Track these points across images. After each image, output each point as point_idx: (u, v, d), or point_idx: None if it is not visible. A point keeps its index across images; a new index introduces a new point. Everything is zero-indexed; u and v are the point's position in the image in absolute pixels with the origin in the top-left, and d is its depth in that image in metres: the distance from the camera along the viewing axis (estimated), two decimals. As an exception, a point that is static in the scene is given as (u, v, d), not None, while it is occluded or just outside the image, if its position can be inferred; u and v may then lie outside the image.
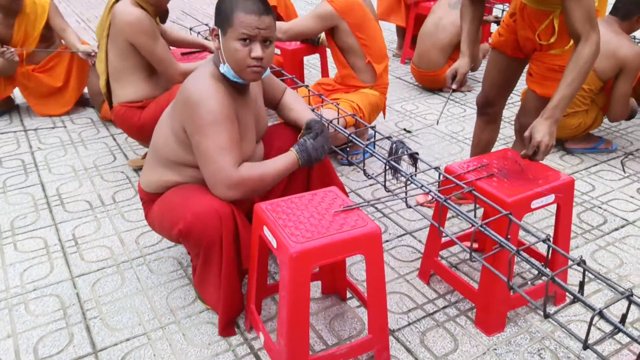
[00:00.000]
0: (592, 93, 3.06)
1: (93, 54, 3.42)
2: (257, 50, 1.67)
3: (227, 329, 1.90)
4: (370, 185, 2.92)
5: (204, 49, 3.14)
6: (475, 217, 1.68)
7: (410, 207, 1.88)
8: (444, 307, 2.04)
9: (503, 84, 2.46)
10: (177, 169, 1.88)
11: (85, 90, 3.82)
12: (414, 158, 2.07)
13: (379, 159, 2.05)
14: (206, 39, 3.43)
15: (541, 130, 1.86)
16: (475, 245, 2.34)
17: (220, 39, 1.71)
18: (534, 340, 1.88)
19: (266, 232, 1.63)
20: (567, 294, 1.79)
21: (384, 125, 3.69)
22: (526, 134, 1.89)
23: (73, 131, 3.55)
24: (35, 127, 3.61)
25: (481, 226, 1.57)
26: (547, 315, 1.44)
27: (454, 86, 2.29)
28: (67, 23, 3.67)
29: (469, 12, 2.32)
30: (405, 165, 2.09)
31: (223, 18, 1.67)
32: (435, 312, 2.02)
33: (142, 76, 2.66)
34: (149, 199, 2.00)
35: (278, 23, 3.46)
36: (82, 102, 3.92)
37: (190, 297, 2.09)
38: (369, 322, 1.72)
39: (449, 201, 1.71)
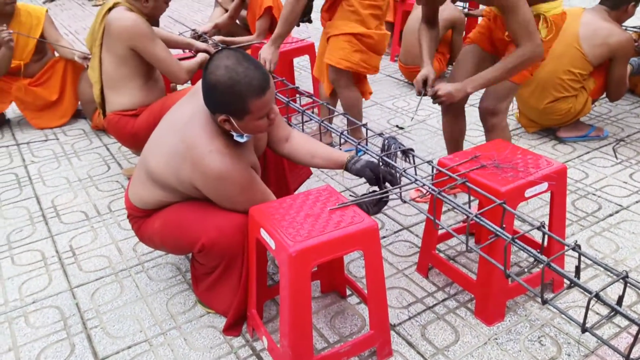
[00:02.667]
0: (581, 77, 3.08)
1: (90, 57, 3.41)
2: (273, 112, 1.67)
3: (232, 328, 1.91)
4: (365, 182, 2.92)
5: (189, 47, 3.14)
6: (470, 208, 1.69)
7: (405, 202, 1.89)
8: (444, 300, 2.05)
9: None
10: (181, 194, 1.85)
11: (77, 99, 3.82)
12: (407, 154, 2.09)
13: (372, 156, 2.07)
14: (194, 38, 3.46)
15: (448, 86, 2.17)
16: (472, 238, 2.35)
17: (233, 122, 1.62)
18: (533, 327, 1.89)
19: (263, 234, 1.64)
20: (564, 280, 1.80)
21: (376, 122, 3.70)
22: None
23: (66, 143, 3.55)
24: (28, 140, 3.60)
25: (476, 216, 1.58)
26: (544, 302, 1.46)
27: (429, 92, 2.30)
28: (61, 34, 3.67)
29: (426, 33, 2.43)
30: (398, 161, 2.10)
31: (236, 109, 1.59)
32: (435, 305, 2.03)
33: (139, 84, 2.65)
34: (143, 214, 1.97)
35: None
36: (74, 114, 3.92)
37: (190, 301, 2.09)
38: (370, 318, 1.73)
39: (443, 194, 1.72)
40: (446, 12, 3.91)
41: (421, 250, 2.17)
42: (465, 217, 2.35)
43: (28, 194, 2.93)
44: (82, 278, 2.25)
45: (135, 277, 2.25)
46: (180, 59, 3.32)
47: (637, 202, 2.63)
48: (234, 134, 1.69)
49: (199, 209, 1.82)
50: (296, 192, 2.34)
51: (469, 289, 2.00)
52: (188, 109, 1.80)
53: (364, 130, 3.21)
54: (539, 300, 2.02)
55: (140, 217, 1.99)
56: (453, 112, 2.60)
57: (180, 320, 2.00)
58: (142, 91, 2.68)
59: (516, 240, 1.49)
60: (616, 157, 3.08)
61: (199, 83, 1.83)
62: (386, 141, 2.15)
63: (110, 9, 2.58)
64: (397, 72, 4.73)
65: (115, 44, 2.57)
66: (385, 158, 2.01)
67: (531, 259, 2.24)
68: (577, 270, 1.49)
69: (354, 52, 2.93)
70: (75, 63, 3.66)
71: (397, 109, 3.93)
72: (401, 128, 3.63)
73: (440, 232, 2.17)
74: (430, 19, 2.43)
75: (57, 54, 3.67)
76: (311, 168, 2.43)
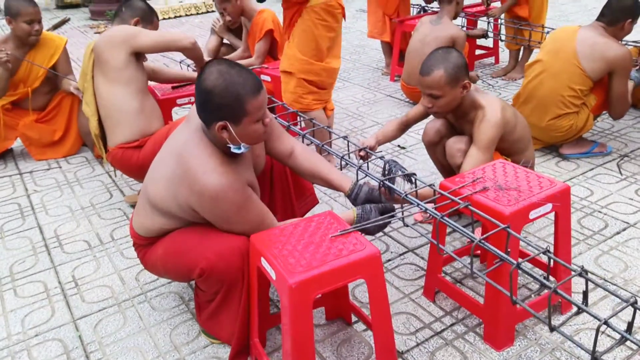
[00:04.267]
0: (581, 93, 3.07)
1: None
2: (267, 117, 1.70)
3: (237, 357, 1.89)
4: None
5: (190, 80, 3.18)
6: (473, 231, 1.67)
7: (407, 225, 1.87)
8: (452, 325, 2.02)
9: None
10: (182, 220, 1.84)
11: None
12: (409, 177, 2.08)
13: (374, 179, 2.06)
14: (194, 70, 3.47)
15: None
16: (477, 260, 2.33)
17: (231, 129, 1.64)
18: (544, 352, 1.86)
19: (264, 263, 1.62)
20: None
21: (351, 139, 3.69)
22: None
23: (68, 171, 3.55)
24: (30, 169, 3.61)
25: (480, 241, 1.56)
26: (552, 329, 1.43)
27: (359, 155, 2.38)
28: (72, 69, 3.71)
29: (393, 130, 2.59)
30: (400, 184, 2.09)
31: (233, 112, 1.61)
32: (443, 330, 2.00)
33: (134, 108, 2.64)
34: (147, 242, 1.97)
35: None
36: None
37: (194, 331, 2.07)
38: (375, 346, 1.70)
39: (445, 218, 1.70)
40: (447, 30, 3.94)
41: (427, 274, 2.14)
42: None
43: (31, 224, 2.92)
44: (84, 309, 2.23)
45: (138, 307, 2.22)
46: (174, 87, 3.34)
47: (644, 218, 2.60)
48: (232, 146, 1.69)
49: (198, 235, 1.81)
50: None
51: (476, 313, 1.97)
52: (182, 136, 1.82)
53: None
54: (548, 323, 1.98)
55: (144, 246, 1.99)
56: (428, 143, 2.64)
57: (184, 352, 1.97)
58: (140, 118, 2.67)
59: (521, 266, 1.47)
60: (621, 173, 3.06)
61: (193, 109, 1.87)
62: (387, 164, 2.15)
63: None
64: (397, 91, 4.74)
65: (109, 58, 2.58)
66: (387, 183, 2.00)
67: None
68: (585, 296, 1.46)
69: (305, 94, 3.09)
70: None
71: (398, 129, 3.92)
72: (403, 148, 3.62)
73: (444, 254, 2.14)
74: (409, 122, 2.60)
75: (62, 86, 3.69)
76: (315, 188, 2.41)
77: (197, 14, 9.40)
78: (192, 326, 2.09)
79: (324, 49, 3.00)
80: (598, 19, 3.09)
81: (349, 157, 2.24)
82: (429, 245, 2.49)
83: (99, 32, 8.26)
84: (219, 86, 1.58)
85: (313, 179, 2.04)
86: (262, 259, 1.62)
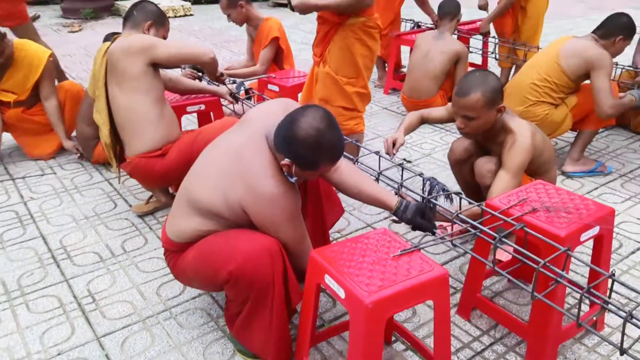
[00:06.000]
0: (559, 89, 3.17)
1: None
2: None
3: None
4: (385, 218, 2.90)
5: (214, 94, 3.11)
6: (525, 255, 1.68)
7: (456, 245, 1.87)
8: (491, 344, 2.02)
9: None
10: (220, 221, 1.81)
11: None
12: (450, 195, 2.08)
13: (415, 199, 2.04)
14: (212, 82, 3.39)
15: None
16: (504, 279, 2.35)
17: (294, 168, 1.66)
18: (586, 372, 1.88)
19: (329, 281, 1.57)
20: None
21: (382, 156, 3.69)
22: None
23: (64, 177, 3.39)
24: (23, 175, 3.42)
25: (544, 266, 1.57)
26: (623, 352, 1.45)
27: (394, 152, 2.46)
28: (54, 93, 3.51)
29: (412, 119, 2.61)
30: (442, 201, 2.09)
31: (305, 164, 1.65)
32: (483, 350, 2.00)
33: (155, 116, 2.55)
34: (178, 249, 1.92)
35: None
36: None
37: (229, 350, 1.99)
38: (434, 368, 1.68)
39: (504, 239, 1.70)
40: (452, 46, 4.02)
41: (464, 292, 2.14)
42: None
43: (33, 234, 2.76)
44: (107, 326, 2.12)
45: (164, 324, 2.13)
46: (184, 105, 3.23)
47: (655, 238, 2.69)
48: (286, 173, 1.69)
49: (230, 237, 1.78)
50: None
51: (519, 333, 1.97)
52: (239, 137, 1.80)
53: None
54: (586, 343, 2.02)
55: (175, 252, 1.93)
56: (455, 161, 2.66)
57: (222, 372, 1.90)
58: (160, 126, 2.58)
59: (591, 289, 1.49)
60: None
61: (249, 112, 1.90)
62: (428, 182, 2.14)
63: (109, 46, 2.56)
64: (394, 104, 4.77)
65: (126, 68, 2.48)
66: (433, 201, 1.99)
67: (574, 298, 2.24)
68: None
69: (345, 121, 3.04)
70: (76, 92, 3.55)
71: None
72: (409, 162, 3.63)
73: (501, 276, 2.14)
74: (427, 119, 2.66)
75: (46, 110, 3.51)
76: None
77: (175, 17, 9.22)
78: (226, 345, 2.02)
79: (361, 68, 2.93)
80: (593, 31, 3.20)
81: (384, 174, 2.23)
82: (455, 261, 2.51)
83: (73, 32, 7.98)
84: (309, 142, 1.60)
85: (358, 195, 2.02)
86: (327, 275, 1.58)
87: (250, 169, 1.68)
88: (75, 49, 6.87)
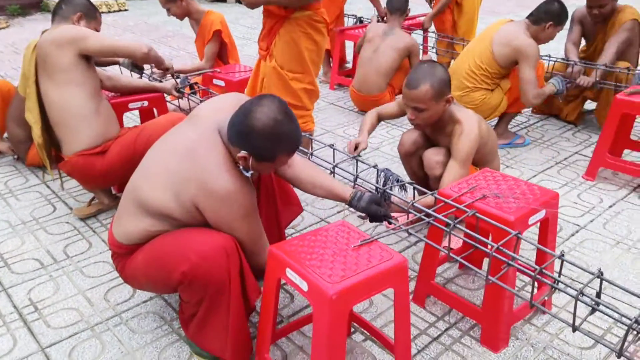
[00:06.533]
0: (490, 74, 3.38)
1: None
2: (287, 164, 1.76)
3: None
4: (339, 212, 2.91)
5: (158, 91, 3.00)
6: (477, 240, 1.72)
7: (410, 234, 1.90)
8: (447, 329, 2.07)
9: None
10: (170, 222, 1.75)
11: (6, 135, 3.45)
12: (404, 186, 2.12)
13: (370, 190, 2.06)
14: (153, 78, 3.27)
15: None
16: (454, 265, 2.41)
17: (250, 161, 1.63)
18: (537, 351, 1.96)
19: (291, 274, 1.55)
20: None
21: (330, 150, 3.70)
22: None
23: (-4, 181, 3.19)
24: (-51, 179, 3.19)
25: (496, 250, 1.61)
26: (575, 329, 1.51)
27: (355, 154, 2.50)
28: None
29: (372, 120, 2.70)
30: (396, 192, 2.12)
31: (263, 155, 1.62)
32: (439, 335, 2.04)
33: (90, 111, 2.44)
34: (127, 251, 1.84)
35: None
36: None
37: (185, 353, 1.93)
38: (396, 357, 1.70)
39: (458, 225, 1.74)
40: (403, 40, 4.13)
41: (418, 280, 2.18)
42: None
43: (-37, 242, 2.58)
44: (52, 336, 2.00)
45: (114, 330, 2.04)
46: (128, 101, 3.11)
47: (591, 221, 2.83)
48: (241, 167, 1.66)
49: (180, 236, 1.73)
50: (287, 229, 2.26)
51: (473, 317, 2.03)
52: (191, 134, 1.74)
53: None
54: (535, 323, 2.10)
55: (123, 255, 1.86)
56: (405, 153, 2.69)
57: (179, 376, 1.84)
58: (98, 123, 2.48)
59: (544, 270, 1.54)
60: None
61: (199, 108, 1.85)
62: (382, 173, 2.16)
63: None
64: (340, 99, 4.79)
65: (56, 61, 2.37)
66: (388, 191, 2.01)
67: (522, 280, 2.33)
68: (598, 295, 1.56)
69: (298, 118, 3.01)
70: (7, 91, 3.34)
71: (349, 137, 3.96)
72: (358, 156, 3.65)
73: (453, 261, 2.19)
74: (383, 117, 2.74)
75: None
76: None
77: (109, 12, 8.88)
78: (182, 348, 1.96)
79: (308, 62, 2.88)
80: (527, 17, 3.37)
81: (339, 167, 2.23)
82: (407, 250, 2.55)
83: (0, 28, 7.52)
84: (267, 132, 1.57)
85: (313, 189, 2.01)
86: (288, 269, 1.56)
87: (203, 165, 1.63)
88: (2, 47, 6.47)
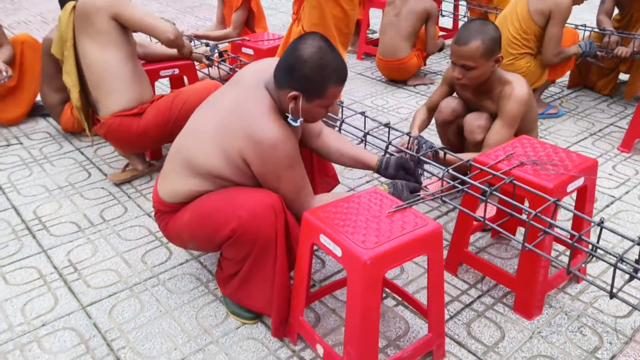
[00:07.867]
0: (530, 37, 3.30)
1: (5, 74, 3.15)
2: (333, 105, 1.72)
3: (280, 329, 1.83)
4: (367, 182, 2.90)
5: (176, 58, 3.03)
6: (513, 208, 1.70)
7: (445, 201, 1.89)
8: (479, 297, 2.07)
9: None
10: (216, 182, 1.78)
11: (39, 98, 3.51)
12: (436, 152, 2.10)
13: (407, 157, 2.04)
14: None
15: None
16: (487, 235, 2.39)
17: (300, 102, 1.64)
18: (571, 319, 1.95)
19: (324, 240, 1.56)
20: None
21: (360, 121, 3.68)
22: None
23: (32, 147, 3.25)
24: (-13, 145, 3.27)
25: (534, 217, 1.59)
26: (612, 296, 1.50)
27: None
28: (8, 40, 3.37)
29: (423, 115, 2.64)
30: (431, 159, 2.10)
31: (313, 89, 1.62)
32: (472, 302, 2.04)
33: (128, 72, 2.49)
34: (171, 209, 1.88)
35: None
36: (33, 113, 3.62)
37: (221, 313, 1.98)
38: (429, 321, 1.71)
39: (495, 192, 1.73)
40: (422, 3, 4.04)
41: (451, 248, 2.17)
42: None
43: (4, 205, 2.65)
44: (92, 295, 2.07)
45: (152, 290, 2.09)
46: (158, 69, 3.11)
47: (627, 192, 2.78)
48: (290, 117, 1.68)
49: (229, 195, 1.75)
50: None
51: (507, 285, 2.02)
52: (232, 95, 1.77)
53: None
54: (569, 292, 2.09)
55: (168, 213, 1.90)
56: (442, 122, 2.62)
57: (216, 334, 1.88)
58: (135, 85, 2.53)
59: (582, 236, 1.52)
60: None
61: (241, 72, 1.86)
62: (416, 141, 2.14)
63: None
64: (367, 69, 4.74)
65: (94, 22, 2.40)
66: (423, 158, 2.00)
67: (555, 250, 2.31)
68: (638, 262, 1.54)
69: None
70: (32, 42, 3.39)
71: (377, 107, 3.93)
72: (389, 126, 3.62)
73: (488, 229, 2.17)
74: (433, 106, 2.63)
75: None
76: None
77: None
78: (218, 308, 2.00)
79: (333, 31, 2.75)
80: None
81: (370, 137, 2.21)
82: (440, 219, 2.54)
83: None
84: (314, 60, 1.58)
85: (340, 158, 2.01)
86: (322, 235, 1.57)
87: (250, 116, 1.65)
88: (30, 16, 6.54)
